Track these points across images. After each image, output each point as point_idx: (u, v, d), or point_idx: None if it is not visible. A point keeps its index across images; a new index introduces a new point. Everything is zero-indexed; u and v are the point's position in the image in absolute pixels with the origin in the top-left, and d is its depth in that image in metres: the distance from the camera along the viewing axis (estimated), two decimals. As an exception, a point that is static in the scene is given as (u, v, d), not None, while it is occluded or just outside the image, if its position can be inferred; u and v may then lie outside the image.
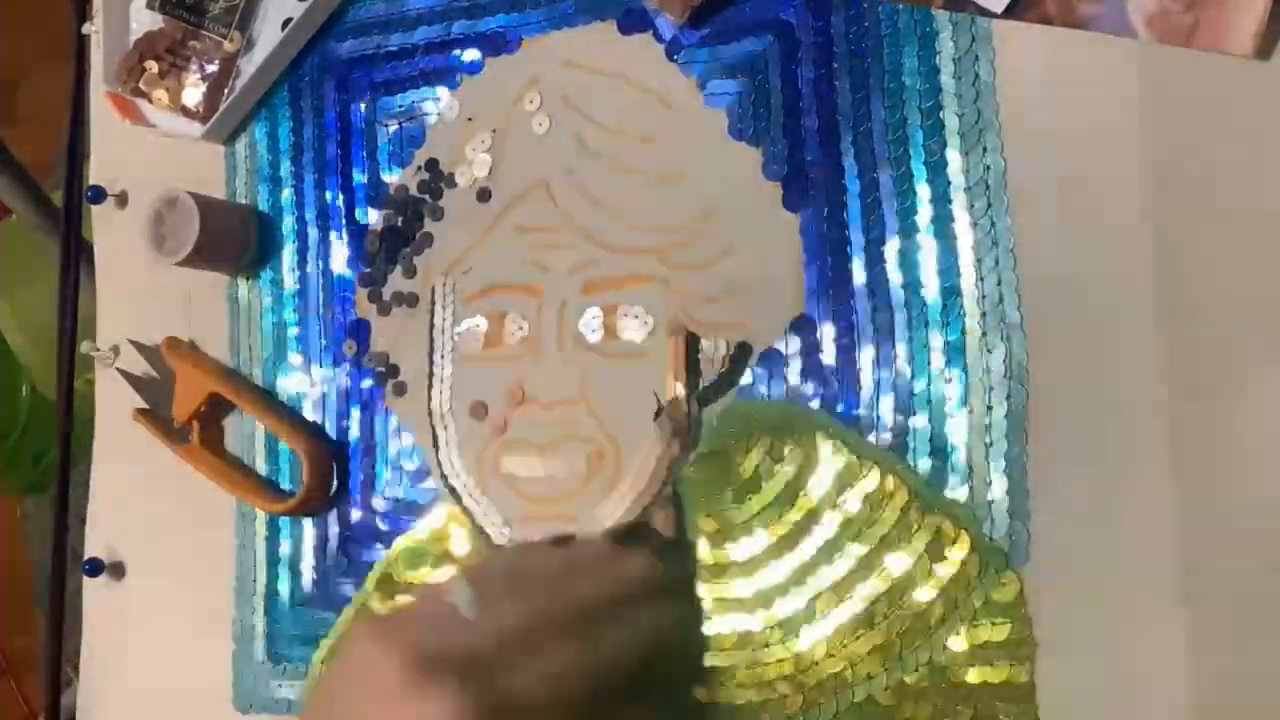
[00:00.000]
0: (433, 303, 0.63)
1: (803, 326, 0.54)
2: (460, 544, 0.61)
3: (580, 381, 0.58)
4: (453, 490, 0.61)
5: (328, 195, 0.67)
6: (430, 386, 0.62)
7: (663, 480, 0.54)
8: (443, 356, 0.62)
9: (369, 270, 0.65)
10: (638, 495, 0.54)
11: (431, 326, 0.63)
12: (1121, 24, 0.48)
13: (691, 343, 0.55)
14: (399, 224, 0.64)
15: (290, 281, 0.68)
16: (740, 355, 0.55)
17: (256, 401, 0.67)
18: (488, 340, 0.61)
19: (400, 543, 0.62)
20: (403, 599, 0.51)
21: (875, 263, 0.53)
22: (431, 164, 0.64)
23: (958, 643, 0.49)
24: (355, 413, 0.65)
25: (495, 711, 0.42)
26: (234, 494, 0.67)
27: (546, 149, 0.60)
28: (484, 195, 0.62)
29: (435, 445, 0.62)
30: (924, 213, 0.52)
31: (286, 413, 0.67)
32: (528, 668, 0.43)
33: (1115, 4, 0.48)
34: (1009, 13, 0.50)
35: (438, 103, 0.64)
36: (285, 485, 0.67)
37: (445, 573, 0.61)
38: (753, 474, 0.53)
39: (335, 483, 0.65)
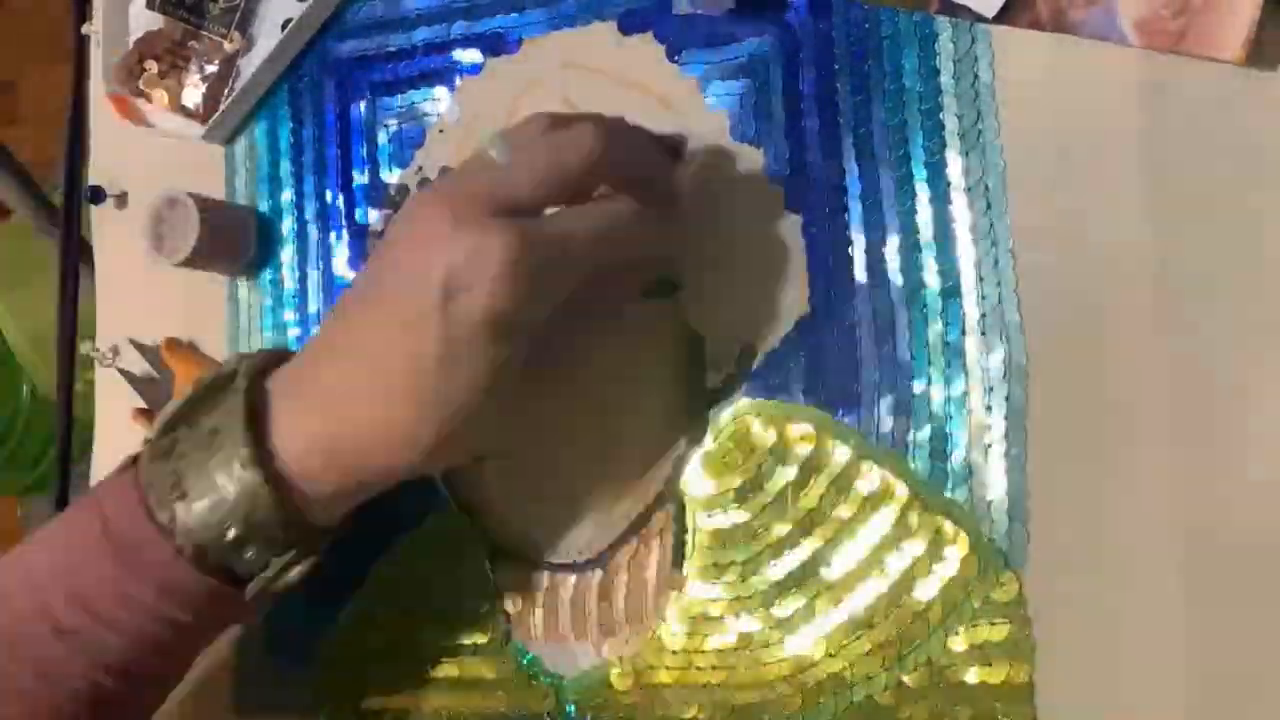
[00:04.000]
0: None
1: (805, 327, 0.54)
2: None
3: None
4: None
5: (328, 196, 0.67)
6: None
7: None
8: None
9: (369, 270, 0.65)
10: None
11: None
12: (1111, 29, 0.48)
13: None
14: (399, 224, 0.64)
15: (290, 282, 0.68)
16: (743, 356, 0.55)
17: (257, 401, 0.66)
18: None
19: (400, 541, 0.62)
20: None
21: (876, 263, 0.53)
22: (431, 165, 0.64)
23: (957, 643, 0.49)
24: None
25: (539, 243, 0.44)
26: (234, 494, 0.67)
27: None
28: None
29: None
30: (924, 213, 0.52)
31: (287, 413, 0.66)
32: (561, 213, 0.47)
33: (1105, 9, 0.48)
34: (1001, 17, 0.50)
35: (438, 103, 0.64)
36: (285, 485, 0.67)
37: None
38: (754, 474, 0.53)
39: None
